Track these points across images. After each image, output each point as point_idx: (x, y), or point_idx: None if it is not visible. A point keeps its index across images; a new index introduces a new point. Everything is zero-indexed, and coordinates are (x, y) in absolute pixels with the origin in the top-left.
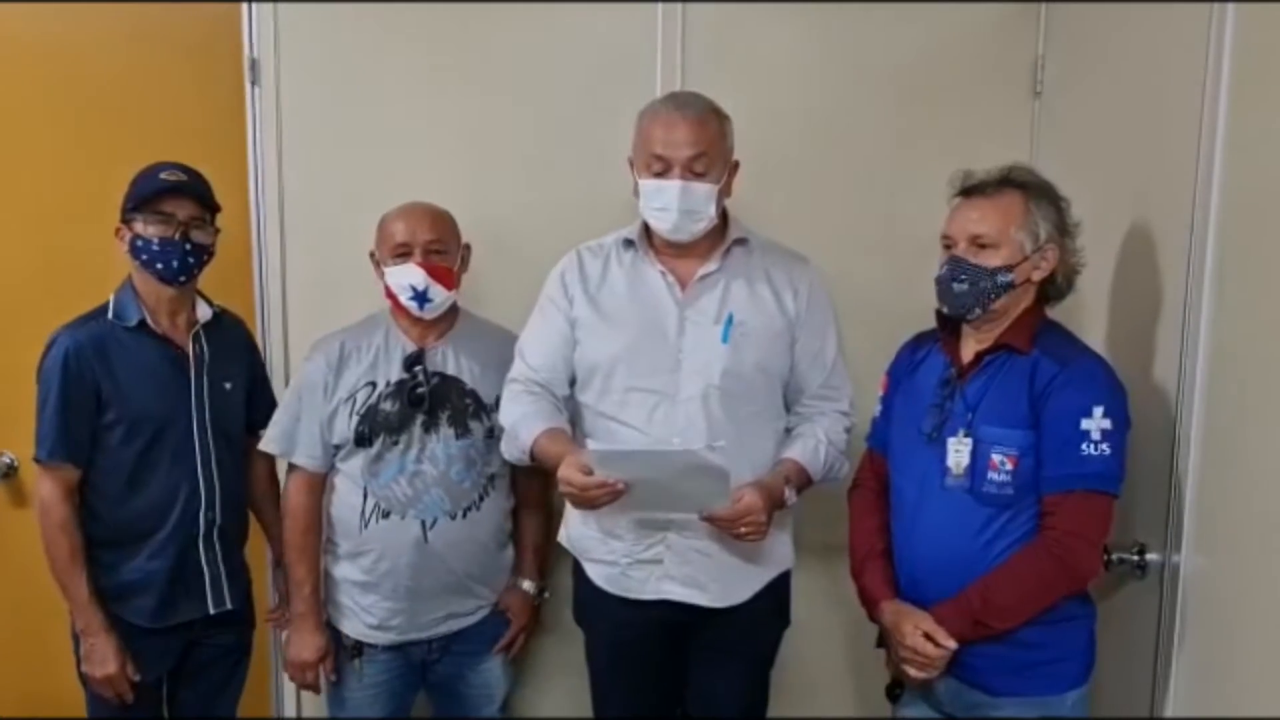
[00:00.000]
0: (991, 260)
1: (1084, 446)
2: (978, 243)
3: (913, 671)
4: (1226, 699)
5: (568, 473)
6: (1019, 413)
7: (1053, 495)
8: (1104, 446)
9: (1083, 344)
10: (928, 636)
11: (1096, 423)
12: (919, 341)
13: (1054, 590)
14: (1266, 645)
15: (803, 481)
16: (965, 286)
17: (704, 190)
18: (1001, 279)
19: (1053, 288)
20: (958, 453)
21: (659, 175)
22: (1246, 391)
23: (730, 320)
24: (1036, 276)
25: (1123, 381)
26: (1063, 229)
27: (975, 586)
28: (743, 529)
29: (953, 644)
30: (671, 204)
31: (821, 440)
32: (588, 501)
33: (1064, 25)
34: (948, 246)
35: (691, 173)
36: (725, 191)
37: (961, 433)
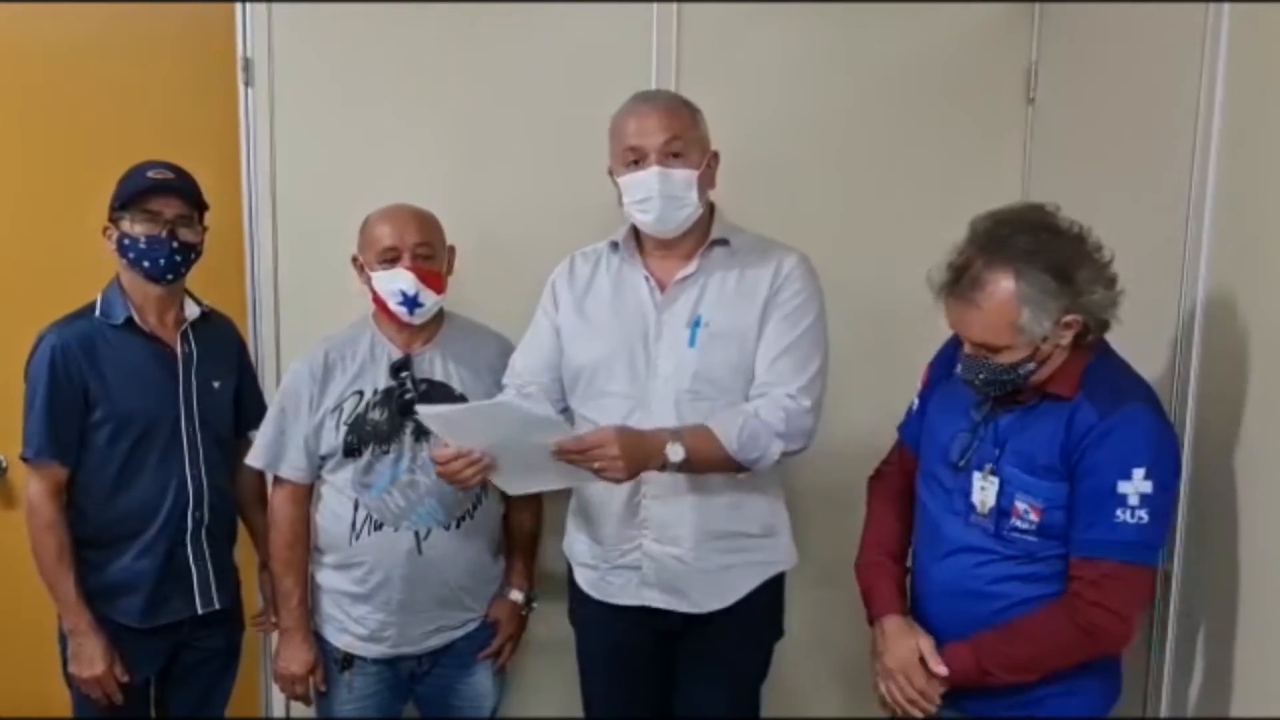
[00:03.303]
0: (1006, 358)
1: (1119, 512)
2: (986, 348)
3: (884, 690)
4: (1218, 700)
5: (434, 451)
6: (1048, 462)
7: (1081, 560)
8: (1142, 513)
9: (1135, 383)
10: (922, 661)
11: (1136, 486)
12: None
13: (1071, 656)
14: (1259, 648)
15: (702, 444)
16: (988, 379)
17: (683, 175)
18: (1024, 370)
19: (1087, 336)
20: (983, 490)
21: (635, 165)
22: (1241, 397)
23: (697, 323)
24: (1064, 343)
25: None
26: (1076, 288)
27: (989, 635)
28: (596, 465)
29: (944, 670)
30: (652, 192)
31: (748, 412)
32: (453, 475)
33: (1058, 31)
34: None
35: (668, 157)
36: (707, 182)
37: (988, 468)
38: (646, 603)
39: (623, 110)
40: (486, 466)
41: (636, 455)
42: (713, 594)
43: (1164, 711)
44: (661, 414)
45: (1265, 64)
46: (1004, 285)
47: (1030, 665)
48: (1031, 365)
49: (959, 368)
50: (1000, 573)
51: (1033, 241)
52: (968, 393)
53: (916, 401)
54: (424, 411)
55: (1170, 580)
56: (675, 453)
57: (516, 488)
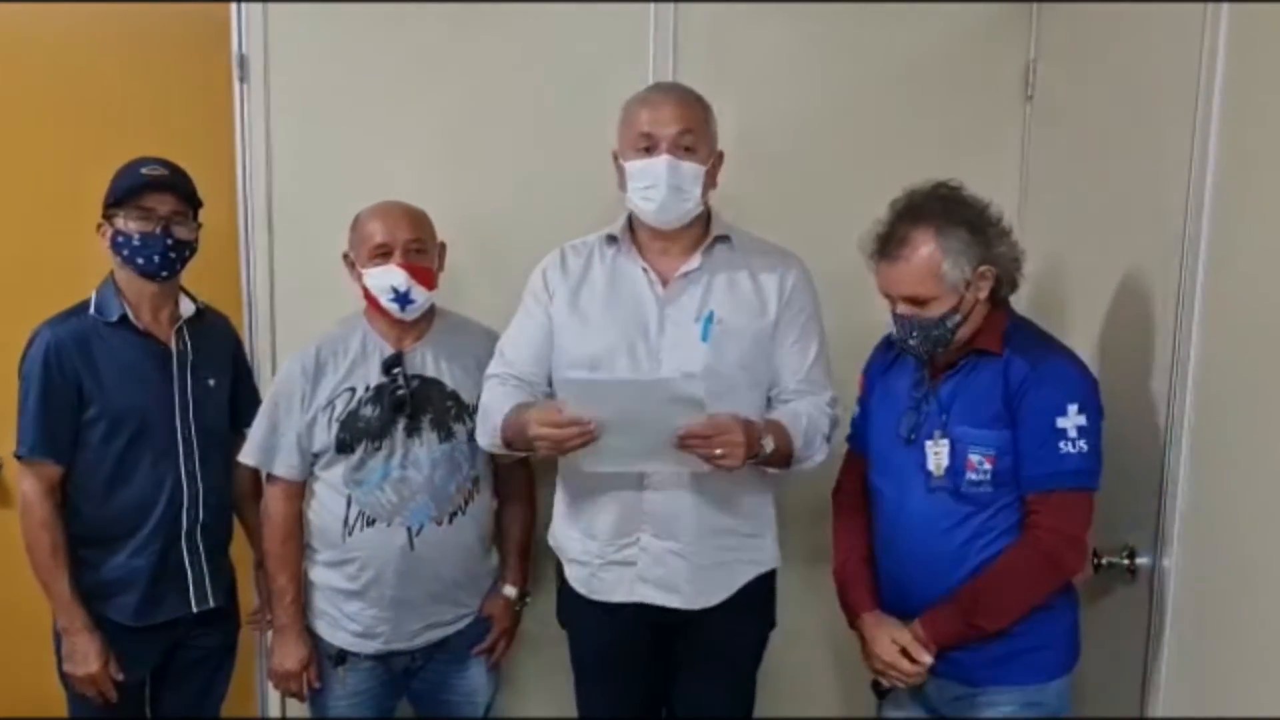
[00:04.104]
0: (933, 311)
1: (1062, 445)
2: (913, 302)
3: (886, 683)
4: (1214, 700)
5: (541, 415)
6: (993, 412)
7: (1035, 495)
8: (1081, 443)
9: (1052, 340)
10: (903, 652)
11: (1072, 420)
12: (892, 341)
13: (1043, 587)
14: (1254, 646)
15: (781, 440)
16: (919, 339)
17: (692, 169)
18: (950, 322)
19: (1002, 290)
20: (937, 455)
21: (646, 152)
22: (1236, 395)
23: (710, 318)
24: (982, 296)
25: (1096, 376)
26: (987, 240)
27: (965, 589)
28: (718, 450)
29: (928, 659)
30: (660, 180)
31: (803, 413)
32: (559, 442)
33: (1056, 28)
34: (892, 299)
35: (680, 149)
36: (711, 181)
37: (937, 434)
38: (640, 599)
39: (638, 97)
40: (593, 436)
41: (750, 444)
42: (707, 590)
43: (1162, 711)
44: None
45: (1264, 61)
46: (926, 241)
47: (1011, 607)
48: (957, 317)
49: (893, 332)
50: (964, 535)
51: (945, 206)
52: (904, 379)
53: (858, 408)
54: (574, 376)
55: (1169, 579)
56: (768, 445)
57: (602, 466)
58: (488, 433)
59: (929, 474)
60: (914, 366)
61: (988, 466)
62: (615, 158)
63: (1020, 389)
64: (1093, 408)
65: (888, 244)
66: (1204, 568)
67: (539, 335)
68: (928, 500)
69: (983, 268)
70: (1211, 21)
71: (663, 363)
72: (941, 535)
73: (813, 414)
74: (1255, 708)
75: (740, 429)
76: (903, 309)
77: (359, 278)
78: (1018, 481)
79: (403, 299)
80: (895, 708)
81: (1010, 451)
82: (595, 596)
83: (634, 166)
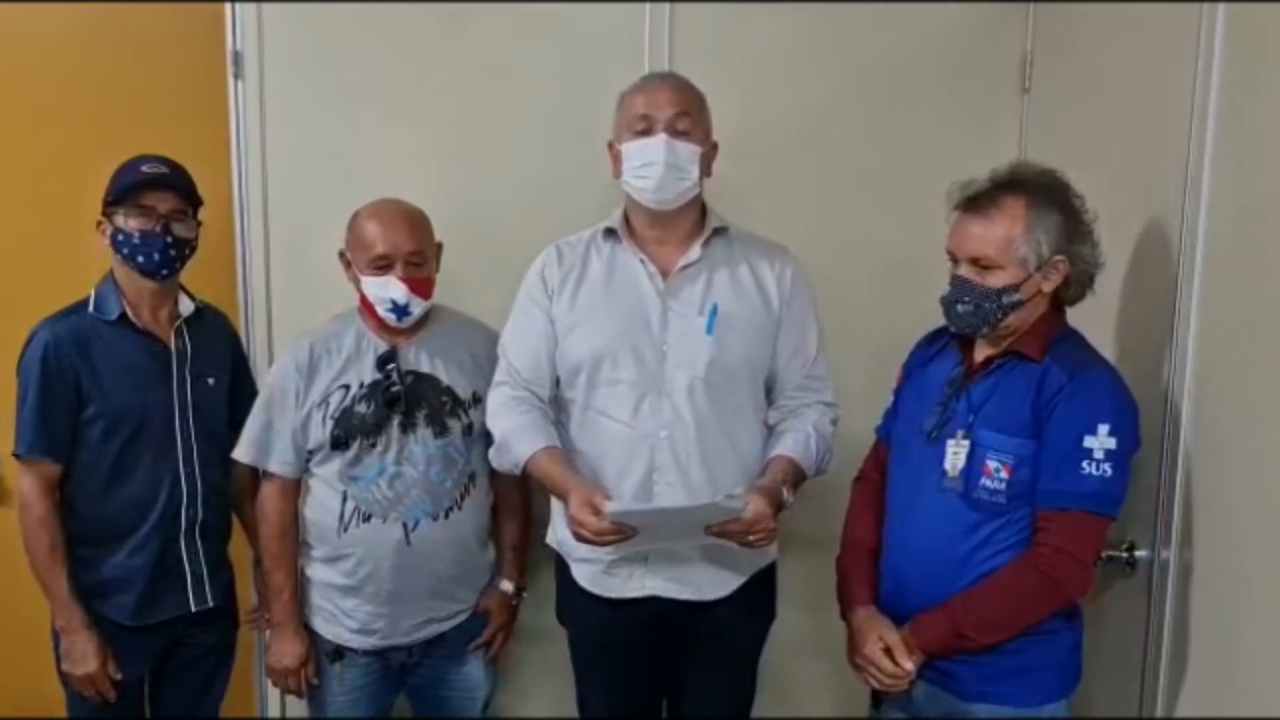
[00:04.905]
0: (995, 281)
1: (1084, 465)
2: (979, 264)
3: (863, 680)
4: (1215, 696)
5: (581, 515)
6: (1020, 420)
7: (1047, 511)
8: (1105, 466)
9: (1098, 356)
10: (887, 651)
11: (1100, 441)
12: (936, 335)
13: (1040, 607)
14: (1256, 642)
15: (798, 478)
16: (970, 308)
17: (688, 149)
18: (1007, 299)
19: (1067, 293)
20: (955, 455)
21: (643, 134)
22: (1235, 388)
23: (714, 311)
24: (1047, 288)
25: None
26: (1072, 234)
27: (960, 597)
28: (752, 537)
29: (910, 665)
30: (657, 159)
31: (811, 434)
32: (598, 543)
33: (1053, 22)
34: (955, 260)
35: (676, 130)
36: (706, 169)
37: (961, 434)
38: (652, 592)
39: (634, 85)
40: (628, 537)
41: (776, 510)
42: (717, 581)
43: (1160, 711)
44: (675, 401)
45: (1260, 59)
46: (1015, 208)
47: (1002, 622)
48: (1016, 296)
49: (946, 292)
50: (971, 543)
51: (1046, 186)
52: (941, 375)
53: (892, 399)
54: (613, 510)
55: (1165, 576)
56: (789, 497)
57: (640, 547)
58: (508, 464)
59: (944, 473)
60: (952, 363)
61: (1004, 475)
62: (610, 146)
63: (1053, 399)
64: (1126, 433)
65: (976, 200)
66: (1204, 562)
67: (542, 338)
68: (938, 501)
69: (1058, 257)
70: (1208, 19)
71: (668, 357)
72: (947, 540)
73: (819, 429)
74: (1256, 705)
75: (770, 513)
76: (964, 270)
77: (355, 279)
78: (1033, 496)
79: (400, 311)
80: (890, 711)
81: (1031, 463)
82: (607, 594)
83: (631, 147)
